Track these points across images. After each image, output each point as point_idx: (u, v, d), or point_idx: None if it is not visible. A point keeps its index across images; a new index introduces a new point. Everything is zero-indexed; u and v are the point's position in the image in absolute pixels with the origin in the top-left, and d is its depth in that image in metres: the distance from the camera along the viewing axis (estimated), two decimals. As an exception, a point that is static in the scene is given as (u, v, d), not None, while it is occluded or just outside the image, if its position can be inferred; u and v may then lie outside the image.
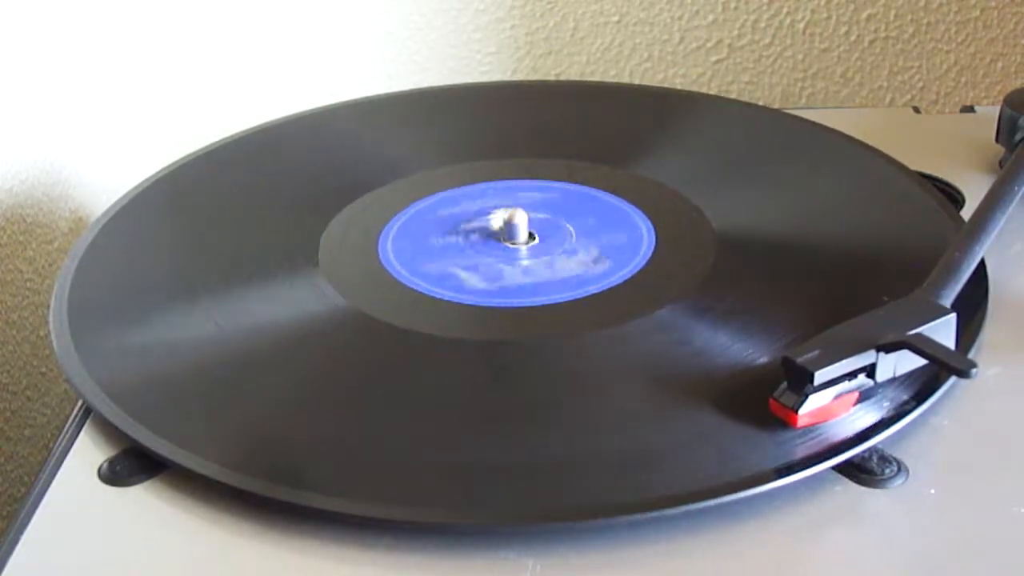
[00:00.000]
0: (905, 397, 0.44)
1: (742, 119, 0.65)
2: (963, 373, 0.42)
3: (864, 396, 0.43)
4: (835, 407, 0.42)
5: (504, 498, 0.41)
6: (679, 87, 0.82)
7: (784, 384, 0.42)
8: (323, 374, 0.47)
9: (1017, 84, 0.81)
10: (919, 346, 0.42)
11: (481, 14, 0.81)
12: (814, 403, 0.42)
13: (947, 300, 0.45)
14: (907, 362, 0.43)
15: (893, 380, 0.44)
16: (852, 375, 0.42)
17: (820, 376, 0.41)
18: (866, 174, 0.58)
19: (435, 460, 0.43)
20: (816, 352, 0.42)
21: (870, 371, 0.43)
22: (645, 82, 0.82)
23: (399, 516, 0.40)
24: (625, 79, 0.83)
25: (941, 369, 0.43)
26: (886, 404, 0.43)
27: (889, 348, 0.43)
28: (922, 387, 0.44)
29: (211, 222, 0.57)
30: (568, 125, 0.65)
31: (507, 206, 0.54)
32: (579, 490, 0.41)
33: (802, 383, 0.42)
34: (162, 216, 0.58)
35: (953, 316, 0.44)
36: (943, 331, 0.44)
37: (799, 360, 0.42)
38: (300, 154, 0.63)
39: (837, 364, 0.42)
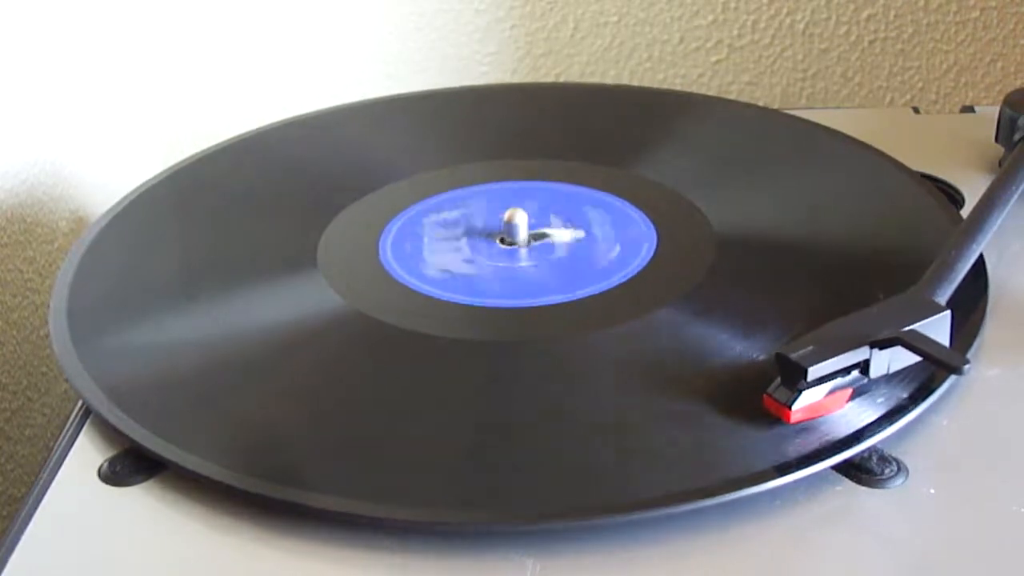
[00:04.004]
0: (905, 396, 0.44)
1: (742, 119, 0.65)
2: (956, 369, 0.42)
3: (858, 392, 0.43)
4: (829, 403, 0.42)
5: (504, 498, 0.41)
6: (679, 87, 0.82)
7: (778, 380, 0.42)
8: (323, 374, 0.47)
9: (1017, 84, 0.81)
10: (912, 342, 0.42)
11: (481, 14, 0.81)
12: (807, 399, 0.42)
13: (942, 298, 0.45)
14: (901, 359, 0.43)
15: (891, 379, 0.44)
16: (846, 371, 0.42)
17: (813, 372, 0.41)
18: (866, 174, 0.58)
19: (435, 460, 0.43)
20: (810, 348, 0.42)
21: (864, 367, 0.43)
22: (645, 82, 0.82)
23: (399, 516, 0.40)
24: (625, 79, 0.83)
25: (934, 366, 0.43)
26: (886, 403, 0.43)
27: (883, 344, 0.43)
28: (921, 386, 0.44)
29: (211, 223, 0.57)
30: (568, 125, 0.65)
31: (507, 206, 0.54)
32: (579, 490, 0.41)
33: (795, 379, 0.42)
34: (162, 217, 0.58)
35: (947, 313, 0.44)
36: (938, 328, 0.44)
37: (793, 356, 0.42)
38: (300, 155, 0.63)
39: (830, 360, 0.42)
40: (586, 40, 0.82)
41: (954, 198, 0.58)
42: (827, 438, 0.42)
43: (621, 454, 0.42)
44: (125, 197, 0.59)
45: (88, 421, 0.46)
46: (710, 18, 0.81)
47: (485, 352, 0.48)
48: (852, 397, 0.43)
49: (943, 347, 0.43)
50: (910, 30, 0.81)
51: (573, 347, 0.48)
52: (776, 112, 0.67)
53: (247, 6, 0.81)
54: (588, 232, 0.54)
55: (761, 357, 0.46)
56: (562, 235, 0.54)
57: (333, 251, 0.54)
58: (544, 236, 0.54)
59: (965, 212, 0.55)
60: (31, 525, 0.41)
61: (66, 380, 0.48)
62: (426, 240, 0.54)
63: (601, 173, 0.59)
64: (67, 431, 0.46)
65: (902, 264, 0.50)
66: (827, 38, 0.81)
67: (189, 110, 0.82)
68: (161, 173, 0.61)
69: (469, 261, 0.53)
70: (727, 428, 0.43)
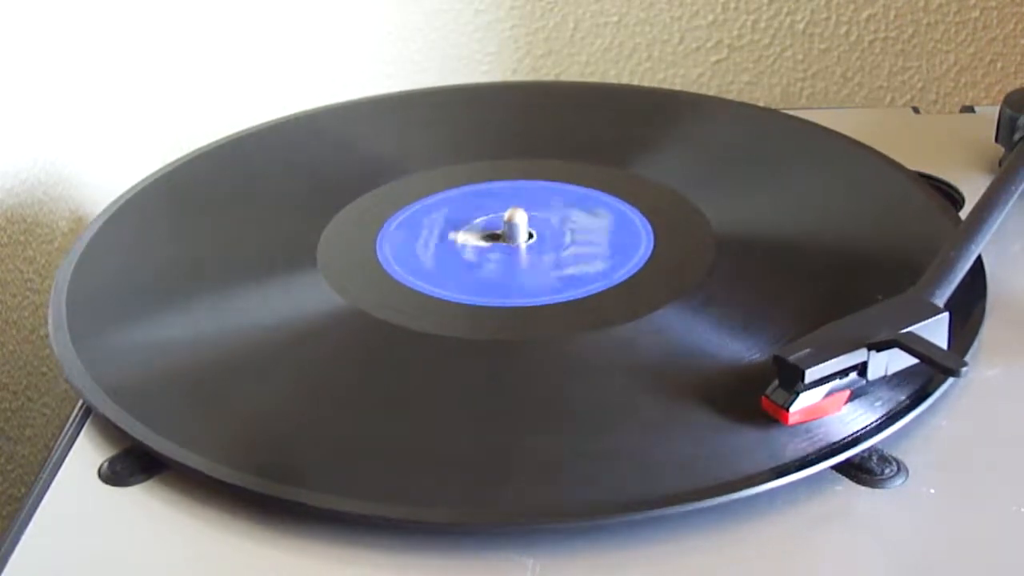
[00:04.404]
0: (904, 397, 0.44)
1: (742, 119, 0.65)
2: (953, 372, 0.42)
3: (856, 394, 0.43)
4: (826, 405, 0.42)
5: (504, 498, 0.41)
6: (679, 87, 0.82)
7: (776, 382, 0.42)
8: (322, 374, 0.47)
9: (1017, 84, 0.81)
10: (910, 345, 0.42)
11: (481, 14, 0.81)
12: (805, 401, 0.42)
13: (940, 299, 0.45)
14: (899, 361, 0.43)
15: (891, 380, 0.44)
16: (843, 373, 0.42)
17: (811, 374, 0.41)
18: (865, 174, 0.58)
19: (435, 460, 0.43)
20: (807, 350, 0.42)
21: (861, 369, 0.43)
22: (645, 82, 0.82)
23: (399, 516, 0.40)
24: (625, 79, 0.83)
25: (931, 368, 0.43)
26: (886, 404, 0.43)
27: (880, 347, 0.43)
28: (921, 387, 0.44)
29: (210, 221, 0.57)
30: (568, 125, 0.65)
31: (507, 206, 0.54)
32: (579, 490, 0.41)
33: (793, 381, 0.42)
34: (161, 215, 0.58)
35: (946, 315, 0.44)
36: (935, 330, 0.44)
37: (790, 358, 0.42)
38: (299, 154, 0.63)
39: (828, 362, 0.42)
40: (586, 40, 0.82)
41: (954, 198, 0.58)
42: (826, 440, 0.42)
43: (620, 455, 0.42)
44: (123, 195, 0.59)
45: (88, 421, 0.46)
46: (710, 18, 0.81)
47: (485, 352, 0.48)
48: (850, 399, 0.43)
49: (940, 349, 0.43)
50: (910, 30, 0.81)
51: (573, 347, 0.48)
52: (776, 112, 0.67)
53: (247, 6, 0.81)
54: (587, 232, 0.54)
55: (760, 358, 0.46)
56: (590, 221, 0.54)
57: (333, 250, 0.54)
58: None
59: (965, 212, 0.55)
60: (31, 525, 0.41)
61: (66, 380, 0.48)
62: (426, 239, 0.54)
63: (601, 173, 0.59)
64: (67, 431, 0.46)
65: (901, 265, 0.50)
66: (827, 38, 0.81)
67: (188, 109, 0.82)
68: (159, 171, 0.61)
69: (469, 260, 0.53)
70: (726, 428, 0.43)
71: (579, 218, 0.55)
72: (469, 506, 0.41)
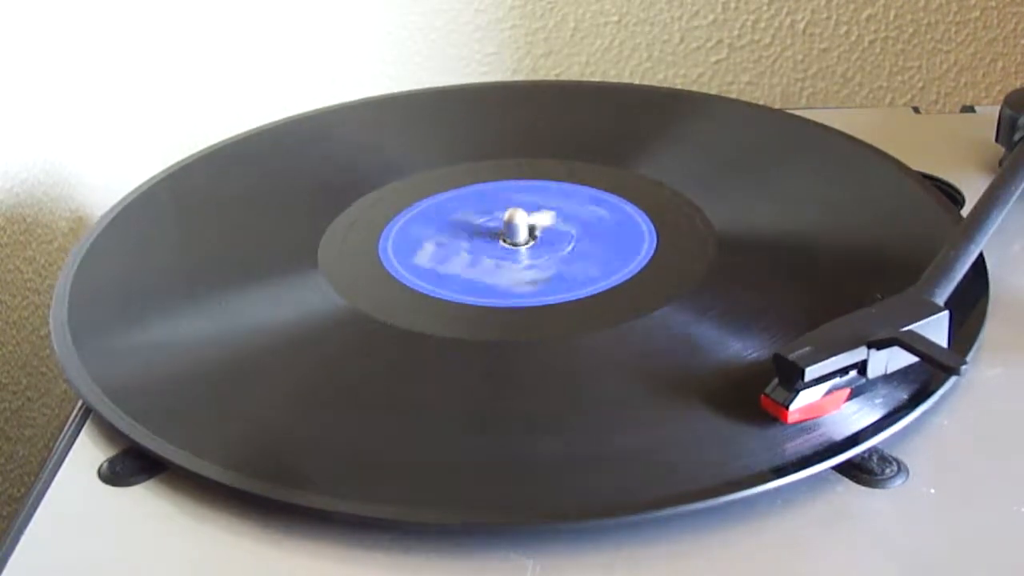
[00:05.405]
0: (905, 397, 0.44)
1: (742, 119, 0.65)
2: (952, 370, 0.42)
3: (856, 392, 0.43)
4: (826, 403, 0.42)
5: (504, 498, 0.41)
6: (679, 87, 0.82)
7: (776, 380, 0.42)
8: (323, 374, 0.47)
9: (1017, 84, 0.81)
10: (909, 343, 0.42)
11: (481, 14, 0.81)
12: (805, 399, 0.42)
13: (940, 298, 0.45)
14: (898, 359, 0.43)
15: (892, 379, 0.44)
16: (843, 371, 0.43)
17: (811, 372, 0.41)
18: (866, 174, 0.58)
19: (435, 460, 0.43)
20: (807, 348, 0.42)
21: (861, 368, 0.43)
22: (645, 82, 0.82)
23: (398, 516, 0.40)
24: (625, 79, 0.83)
25: (931, 366, 0.43)
26: (886, 403, 0.43)
27: (880, 345, 0.43)
28: (922, 387, 0.44)
29: (211, 223, 0.57)
30: (568, 125, 0.65)
31: (507, 206, 0.54)
32: (579, 490, 0.41)
33: (793, 379, 0.42)
34: (163, 217, 0.58)
35: (946, 314, 0.44)
36: (935, 328, 0.44)
37: (790, 356, 0.42)
38: (300, 155, 0.63)
39: (828, 360, 0.42)
40: (586, 40, 0.82)
41: (954, 198, 0.58)
42: (828, 438, 0.42)
43: (621, 454, 0.42)
44: (125, 197, 0.59)
45: (88, 421, 0.46)
46: (710, 18, 0.81)
47: (485, 352, 0.48)
48: (850, 397, 0.43)
49: (940, 347, 0.43)
50: (910, 30, 0.81)
51: (573, 347, 0.48)
52: (776, 112, 0.67)
53: (247, 6, 0.81)
54: (588, 232, 0.54)
55: (760, 357, 0.46)
56: (541, 219, 0.54)
57: (333, 251, 0.54)
58: (533, 228, 0.54)
59: (965, 212, 0.55)
60: (31, 525, 0.41)
61: (66, 380, 0.48)
62: (426, 240, 0.54)
63: (601, 173, 0.59)
64: (67, 431, 0.46)
65: (902, 264, 0.50)
66: (827, 38, 0.81)
67: (189, 110, 0.82)
68: (161, 173, 0.61)
69: (469, 261, 0.53)
70: (726, 428, 0.43)
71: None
72: (469, 506, 0.41)
